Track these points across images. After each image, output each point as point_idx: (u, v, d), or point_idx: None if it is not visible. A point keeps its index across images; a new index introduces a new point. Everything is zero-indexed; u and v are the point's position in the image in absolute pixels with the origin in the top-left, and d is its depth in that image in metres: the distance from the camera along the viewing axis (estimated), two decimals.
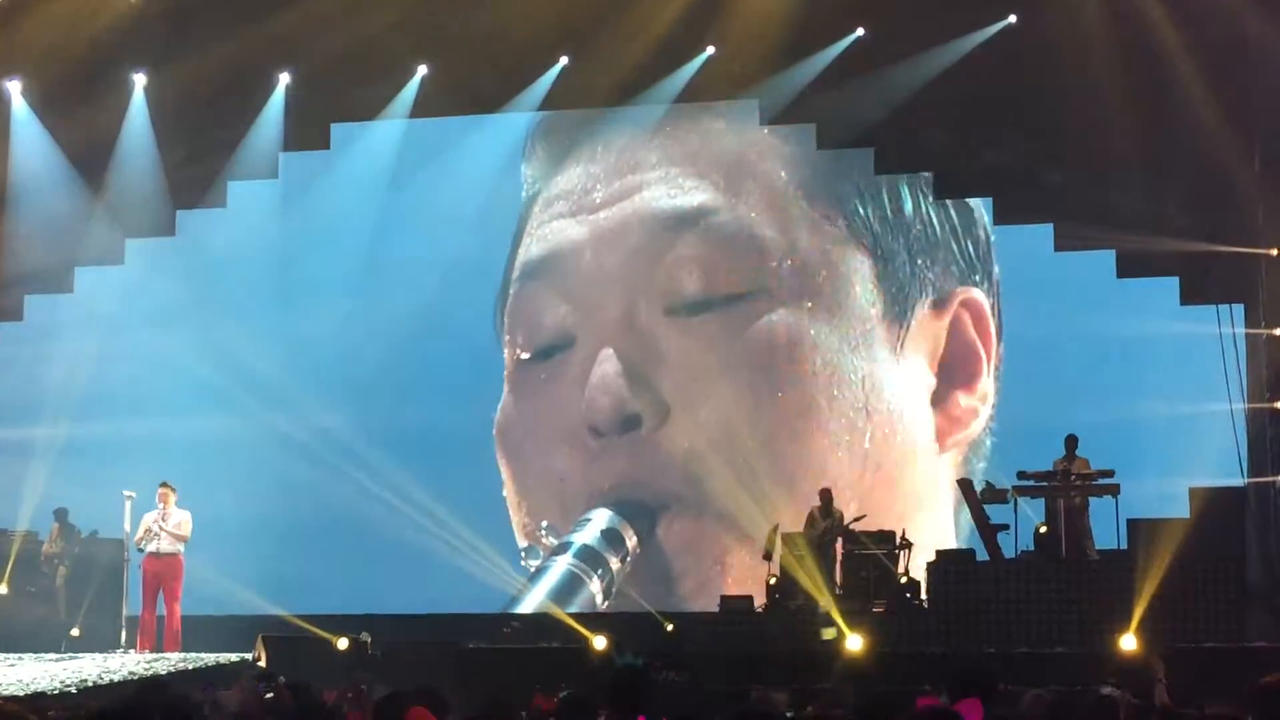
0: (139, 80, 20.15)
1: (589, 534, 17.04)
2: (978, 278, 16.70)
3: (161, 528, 16.44)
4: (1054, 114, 17.59)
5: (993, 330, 16.55)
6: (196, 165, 20.21)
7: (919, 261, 16.48)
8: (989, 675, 6.40)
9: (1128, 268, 17.76)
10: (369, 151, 20.49)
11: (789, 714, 8.38)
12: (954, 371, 16.54)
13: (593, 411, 16.79)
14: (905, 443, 16.38)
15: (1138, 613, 14.78)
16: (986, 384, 16.61)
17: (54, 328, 20.53)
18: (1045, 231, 18.04)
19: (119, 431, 19.58)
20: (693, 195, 16.78)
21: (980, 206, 17.40)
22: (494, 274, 19.61)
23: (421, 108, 20.13)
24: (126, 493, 16.97)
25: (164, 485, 16.72)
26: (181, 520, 16.56)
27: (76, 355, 20.37)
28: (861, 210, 16.68)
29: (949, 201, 16.93)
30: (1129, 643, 14.20)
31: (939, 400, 16.47)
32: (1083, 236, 17.57)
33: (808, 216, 16.67)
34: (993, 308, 16.52)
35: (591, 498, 16.96)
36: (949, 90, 17.94)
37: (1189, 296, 17.61)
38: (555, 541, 17.27)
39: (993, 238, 16.63)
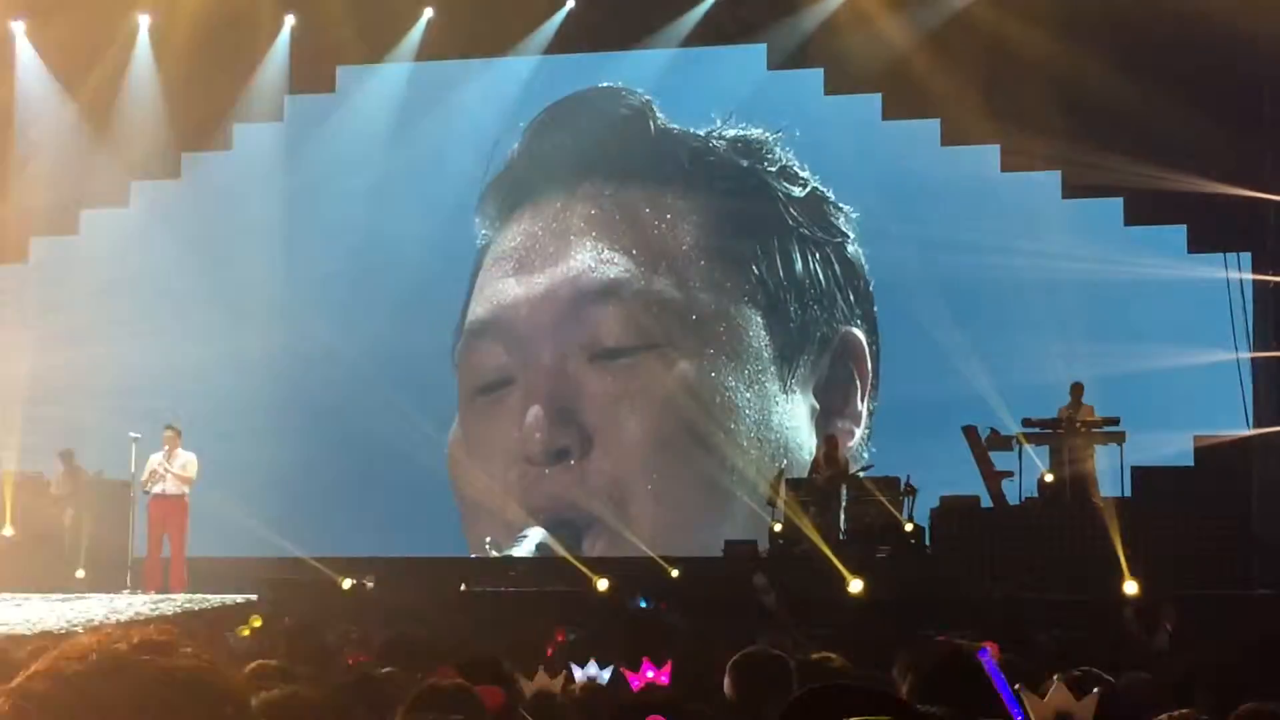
0: (144, 21, 20.05)
1: (526, 548, 18.49)
2: (858, 320, 18.76)
3: (167, 470, 16.50)
4: (1063, 60, 17.48)
5: (868, 363, 18.63)
6: (201, 107, 20.14)
7: (808, 310, 18.74)
8: (1018, 624, 6.38)
9: (1135, 215, 17.71)
10: (375, 94, 20.43)
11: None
12: (834, 400, 18.59)
13: (528, 445, 18.84)
14: (792, 462, 18.19)
15: (1141, 560, 14.83)
16: (861, 408, 18.57)
17: (58, 269, 20.53)
18: (1053, 179, 18.02)
19: (123, 373, 19.60)
20: (611, 267, 19.07)
21: (860, 257, 18.80)
22: None
23: (427, 51, 20.05)
24: (132, 434, 17.03)
25: (169, 427, 16.76)
26: (186, 462, 16.62)
27: (80, 297, 20.40)
28: (757, 270, 18.80)
29: (834, 258, 18.82)
30: (1131, 589, 14.26)
31: (820, 424, 18.48)
32: (1091, 184, 17.52)
33: (709, 278, 18.90)
34: (869, 343, 18.65)
35: (529, 517, 18.74)
36: (957, 37, 17.86)
37: (1196, 244, 17.56)
38: (497, 554, 18.54)
39: (871, 283, 18.75)
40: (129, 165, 20.26)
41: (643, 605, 14.60)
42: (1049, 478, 16.04)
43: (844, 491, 16.76)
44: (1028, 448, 16.24)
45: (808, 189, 18.86)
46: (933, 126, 18.51)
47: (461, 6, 19.66)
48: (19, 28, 19.93)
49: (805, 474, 17.24)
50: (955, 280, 18.41)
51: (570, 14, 19.52)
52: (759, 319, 18.72)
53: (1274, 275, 17.29)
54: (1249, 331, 17.22)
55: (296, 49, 20.25)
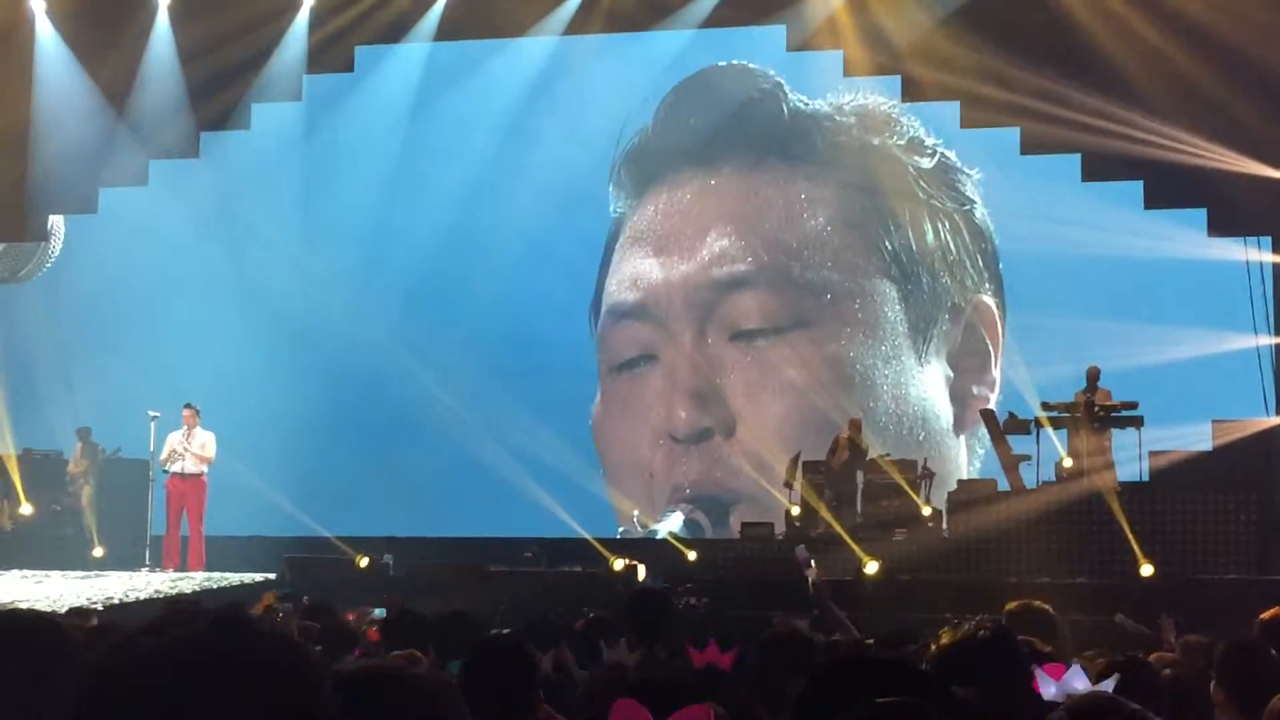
0: (163, 0, 20.04)
1: (673, 524, 18.85)
2: (988, 285, 18.96)
3: (186, 448, 16.57)
4: (1085, 41, 17.39)
5: (1000, 329, 18.76)
6: (220, 87, 20.12)
7: (940, 281, 18.93)
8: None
9: (1155, 198, 17.63)
10: (393, 74, 20.43)
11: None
12: (968, 366, 18.85)
13: (672, 422, 19.26)
14: (930, 433, 18.69)
15: (1159, 544, 14.82)
16: (995, 374, 18.77)
17: (78, 248, 20.58)
18: (1073, 161, 17.96)
19: (142, 352, 19.66)
20: (748, 248, 19.35)
21: (987, 220, 18.95)
22: (517, 197, 19.80)
23: (446, 31, 20.02)
24: (151, 413, 17.10)
25: (188, 406, 16.84)
26: (205, 441, 16.70)
27: (100, 276, 20.45)
28: (890, 245, 19.00)
29: (963, 225, 19.01)
30: (1147, 572, 14.25)
31: (956, 392, 18.83)
32: (1110, 167, 17.45)
33: (843, 256, 19.16)
34: (998, 306, 18.80)
35: (674, 493, 19.20)
36: (978, 17, 17.79)
37: (1216, 227, 17.47)
38: (643, 529, 18.90)
39: (997, 242, 18.93)
40: (148, 144, 20.26)
41: (650, 585, 14.62)
42: (1067, 462, 16.01)
43: (860, 474, 16.77)
44: (1045, 432, 16.22)
45: (935, 158, 19.10)
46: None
47: None
48: (39, 6, 19.93)
49: (832, 447, 17.14)
50: None
51: None
52: (894, 293, 18.99)
53: None
54: (1270, 316, 17.14)
55: (315, 29, 20.21)
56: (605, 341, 19.89)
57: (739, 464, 18.94)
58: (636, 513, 18.98)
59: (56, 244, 20.82)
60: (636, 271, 19.77)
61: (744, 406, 19.17)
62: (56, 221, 20.80)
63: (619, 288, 19.82)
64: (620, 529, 18.86)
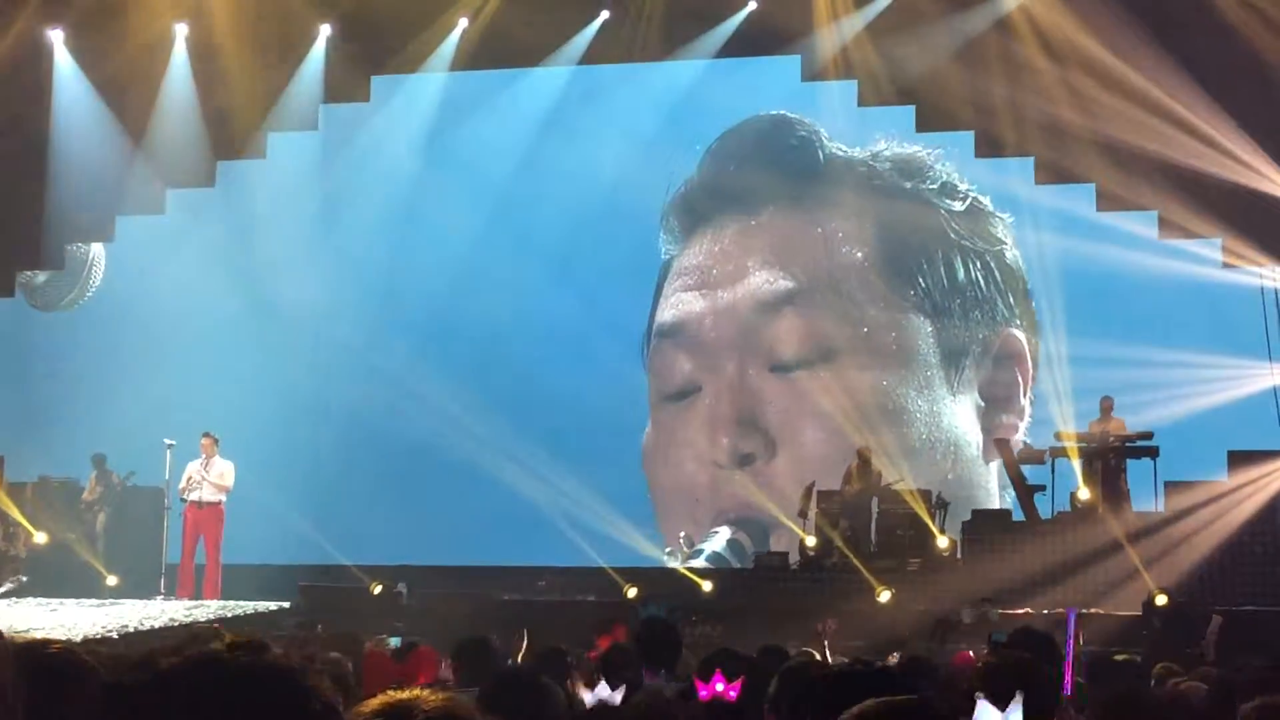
0: (181, 30, 20.18)
1: (718, 543, 19.42)
2: (1018, 320, 19.62)
3: (204, 477, 16.62)
4: (1098, 73, 17.45)
5: (1029, 361, 19.38)
6: (237, 116, 20.25)
7: (970, 315, 19.67)
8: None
9: (1170, 228, 17.66)
10: (409, 104, 20.54)
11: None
12: (998, 396, 19.48)
13: (716, 450, 19.98)
14: (960, 460, 19.34)
15: (1175, 575, 14.80)
16: (1024, 404, 19.37)
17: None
18: (1087, 191, 18.02)
19: (159, 379, 19.72)
20: (786, 282, 20.10)
21: (1019, 260, 19.53)
22: (534, 225, 19.94)
23: (461, 61, 20.14)
24: (167, 441, 17.14)
25: (206, 435, 16.89)
26: (224, 470, 16.74)
27: (117, 303, 20.54)
28: (923, 281, 19.72)
29: (994, 265, 19.70)
30: (1161, 601, 14.24)
31: (987, 420, 19.43)
32: (1124, 197, 17.50)
33: (879, 290, 19.85)
34: (1028, 341, 19.44)
35: (718, 516, 19.82)
36: (989, 49, 17.86)
37: (1231, 257, 17.50)
38: (689, 550, 19.37)
39: (1030, 284, 19.49)
40: (165, 173, 20.37)
41: (655, 613, 14.60)
42: (1082, 493, 16.00)
43: (875, 504, 16.78)
44: (1061, 462, 16.22)
45: (967, 202, 19.73)
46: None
47: (496, 17, 19.74)
48: (57, 37, 20.07)
49: (844, 478, 17.19)
50: None
51: (604, 25, 19.60)
52: (927, 327, 19.73)
53: None
54: None
55: (332, 58, 20.34)
56: (655, 372, 20.55)
57: (779, 489, 19.43)
58: (683, 533, 19.54)
59: (98, 273, 20.98)
60: (680, 301, 20.53)
61: (784, 434, 19.90)
62: (97, 251, 20.96)
63: (666, 319, 20.53)
64: (666, 549, 19.34)
